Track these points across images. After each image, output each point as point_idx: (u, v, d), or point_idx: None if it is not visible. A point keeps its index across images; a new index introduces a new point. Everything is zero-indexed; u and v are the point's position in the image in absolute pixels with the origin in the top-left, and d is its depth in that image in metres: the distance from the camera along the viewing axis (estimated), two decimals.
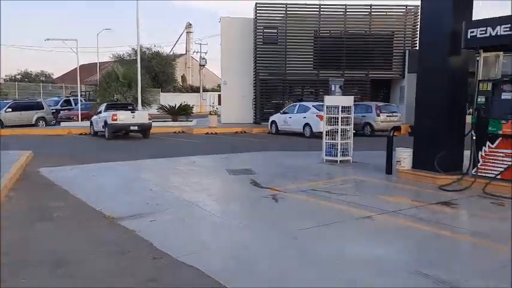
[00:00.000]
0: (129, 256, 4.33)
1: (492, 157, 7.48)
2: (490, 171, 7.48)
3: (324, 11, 25.28)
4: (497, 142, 7.39)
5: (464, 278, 3.81)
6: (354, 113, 19.72)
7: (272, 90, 26.85)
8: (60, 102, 30.58)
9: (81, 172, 9.32)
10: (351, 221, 5.59)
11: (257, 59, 25.40)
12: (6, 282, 3.67)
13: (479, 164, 7.65)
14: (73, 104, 29.46)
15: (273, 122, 21.34)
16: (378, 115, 19.56)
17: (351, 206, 6.33)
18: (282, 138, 19.07)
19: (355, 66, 25.01)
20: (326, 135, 10.51)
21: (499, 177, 7.34)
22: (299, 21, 25.39)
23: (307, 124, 18.80)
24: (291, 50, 25.30)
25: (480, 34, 7.33)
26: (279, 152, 12.90)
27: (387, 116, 19.65)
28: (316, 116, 17.81)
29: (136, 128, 17.81)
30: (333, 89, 10.45)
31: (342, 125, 10.34)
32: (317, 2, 25.53)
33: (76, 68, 29.43)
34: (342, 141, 10.41)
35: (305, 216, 5.81)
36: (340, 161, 10.38)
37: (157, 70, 48.35)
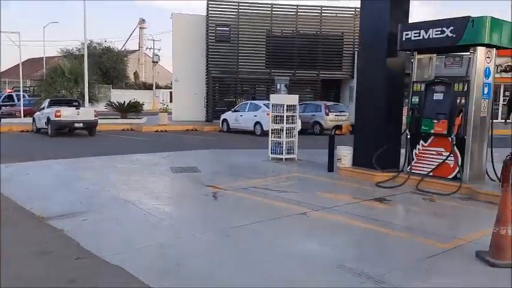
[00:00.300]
0: (52, 256, 4.16)
1: (425, 155, 7.80)
2: (423, 169, 7.80)
3: (276, 11, 25.48)
4: (429, 141, 7.72)
5: (387, 270, 3.93)
6: (305, 112, 20.62)
7: (224, 88, 26.79)
8: (1, 98, 29.08)
9: (16, 171, 8.88)
10: (286, 217, 5.65)
11: (209, 56, 25.24)
12: None
13: (413, 162, 7.96)
14: (16, 100, 28.09)
15: (225, 120, 21.30)
16: (327, 114, 19.97)
17: (289, 203, 6.40)
18: (232, 136, 19.06)
19: (307, 66, 25.39)
20: (272, 133, 10.58)
21: (431, 174, 7.67)
22: (251, 20, 25.45)
23: (257, 122, 18.91)
24: (244, 48, 25.32)
25: (414, 37, 7.62)
26: (227, 150, 12.87)
27: (336, 115, 20.09)
28: (267, 114, 17.86)
29: (81, 125, 17.20)
30: (278, 87, 10.53)
31: (287, 123, 10.45)
32: (269, 2, 25.68)
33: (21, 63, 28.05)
34: (287, 140, 10.52)
35: (242, 214, 5.82)
36: (285, 159, 10.49)
37: (108, 66, 47.03)
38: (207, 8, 25.03)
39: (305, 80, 26.09)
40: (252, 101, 20.89)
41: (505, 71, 27.11)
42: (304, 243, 4.66)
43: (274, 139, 10.57)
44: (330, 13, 26.07)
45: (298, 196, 6.87)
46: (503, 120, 24.99)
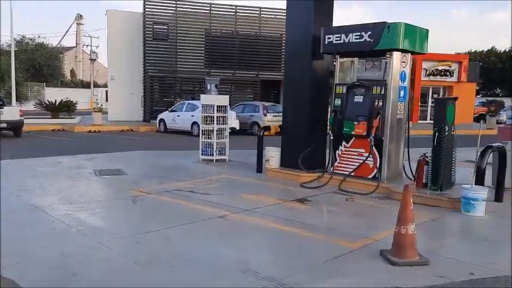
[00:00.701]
0: None
1: (347, 156, 8.01)
2: (345, 169, 8.01)
3: (214, 10, 25.34)
4: (351, 142, 7.94)
5: (291, 272, 3.96)
6: (243, 112, 20.65)
7: (163, 88, 26.26)
8: None
9: None
10: (203, 221, 5.56)
11: (146, 55, 24.64)
12: None
13: (336, 162, 8.16)
14: None
15: (162, 120, 20.89)
16: (265, 115, 20.11)
17: (210, 205, 6.32)
18: (169, 136, 18.71)
19: (246, 66, 25.46)
20: (202, 134, 10.46)
21: (352, 174, 7.89)
22: (190, 19, 25.13)
23: (195, 123, 18.66)
24: (182, 47, 24.96)
25: (336, 40, 7.81)
26: (159, 152, 12.59)
27: (274, 115, 20.25)
28: None
29: (4, 125, 16.15)
30: (208, 87, 10.42)
31: (218, 124, 10.37)
32: (208, 1, 25.49)
33: None
34: (218, 141, 10.45)
35: (158, 218, 5.66)
36: (216, 160, 10.41)
37: (42, 63, 44.69)
38: (144, 5, 24.43)
39: (245, 81, 26.16)
40: (190, 101, 20.64)
41: (432, 74, 28.69)
42: (216, 248, 4.60)
43: (205, 140, 10.46)
44: (269, 14, 26.31)
45: (221, 198, 6.81)
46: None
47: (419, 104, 29.10)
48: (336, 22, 8.51)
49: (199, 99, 22.62)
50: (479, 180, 6.45)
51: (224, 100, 10.48)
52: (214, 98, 10.37)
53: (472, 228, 5.66)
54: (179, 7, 24.82)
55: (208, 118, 10.34)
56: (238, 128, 18.68)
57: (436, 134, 6.96)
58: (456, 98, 7.28)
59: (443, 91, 29.58)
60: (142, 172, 9.17)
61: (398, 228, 4.29)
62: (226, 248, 4.59)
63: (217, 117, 10.34)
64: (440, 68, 28.46)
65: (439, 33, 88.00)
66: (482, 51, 59.28)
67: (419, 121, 28.65)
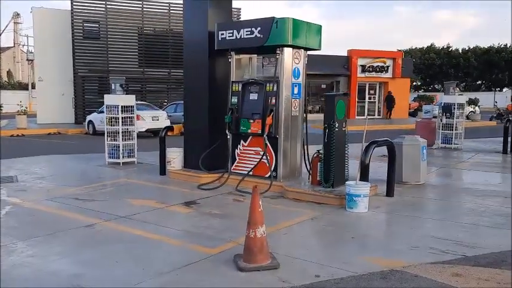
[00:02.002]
0: None
1: (246, 155, 7.82)
2: (244, 168, 7.80)
3: (147, 8, 24.64)
4: (249, 140, 7.75)
5: (141, 279, 3.68)
6: (176, 112, 20.12)
7: (95, 88, 25.27)
8: None
9: None
10: (64, 231, 5.15)
11: (76, 54, 23.62)
12: None
13: (236, 162, 7.94)
14: None
15: (90, 121, 20.02)
16: None
17: (86, 213, 5.92)
18: (95, 139, 17.89)
19: (182, 65, 24.92)
20: (107, 136, 9.97)
21: (251, 173, 7.70)
22: (121, 17, 24.32)
23: None
24: (114, 46, 24.12)
25: (229, 37, 7.58)
26: (69, 155, 11.93)
27: None
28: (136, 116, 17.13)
29: None
30: (113, 87, 9.94)
31: (124, 125, 9.91)
32: None
33: None
34: (125, 143, 10.00)
35: (17, 231, 5.20)
36: (123, 163, 9.96)
37: None
38: (72, 2, 23.38)
39: (181, 79, 25.59)
40: None
41: (368, 70, 29.31)
42: (59, 262, 4.22)
43: (111, 142, 9.98)
44: None
45: (103, 205, 6.41)
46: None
47: (357, 100, 29.68)
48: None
49: None
50: (364, 176, 6.40)
51: (130, 100, 10.04)
52: (119, 98, 9.90)
53: (348, 225, 5.57)
54: (109, 4, 23.94)
55: (113, 119, 9.86)
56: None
57: (326, 131, 6.88)
58: (346, 94, 7.24)
59: (379, 87, 30.32)
60: (38, 179, 8.58)
61: (248, 231, 4.09)
62: (67, 262, 4.21)
63: (123, 118, 9.89)
64: (375, 64, 29.13)
65: (385, 31, 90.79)
66: (423, 47, 61.54)
67: (357, 117, 29.22)
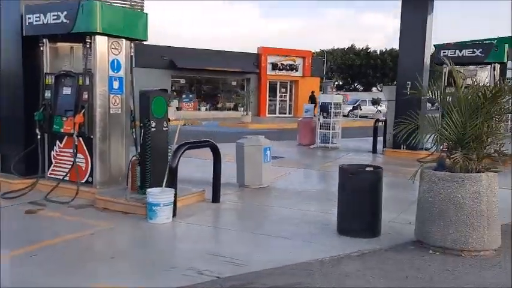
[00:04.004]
0: None
1: (62, 157, 6.85)
2: (60, 173, 6.85)
3: None
4: (64, 141, 6.79)
5: None
6: None
7: None
8: None
9: None
10: None
11: None
12: None
13: (52, 166, 6.97)
14: None
15: None
16: None
17: None
18: None
19: None
20: None
21: (67, 178, 6.76)
22: None
23: None
24: None
25: (36, 21, 6.58)
26: None
27: None
28: None
29: None
30: None
31: None
32: None
33: None
34: None
35: None
36: None
37: None
38: None
39: None
40: None
41: (278, 68, 29.21)
42: None
43: None
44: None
45: None
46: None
47: (268, 98, 29.51)
48: None
49: None
50: (171, 182, 5.72)
51: None
52: None
53: (129, 241, 4.86)
54: None
55: None
56: None
57: (141, 131, 6.13)
58: (165, 90, 6.55)
59: (290, 85, 30.36)
60: None
61: None
62: None
63: None
64: (285, 62, 29.09)
65: (318, 31, 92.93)
66: (344, 48, 63.28)
67: (268, 115, 29.04)
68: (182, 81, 27.72)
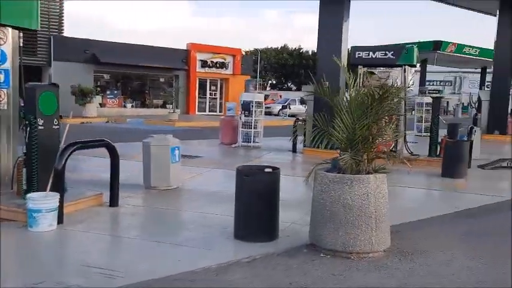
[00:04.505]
0: None
1: None
2: None
3: None
4: None
5: None
6: None
7: None
8: None
9: None
10: None
11: None
12: None
13: None
14: None
15: None
16: None
17: None
18: None
19: None
20: None
21: None
22: None
23: None
24: None
25: None
26: None
27: None
28: None
29: None
30: None
31: None
32: None
33: None
34: None
35: None
36: None
37: None
38: None
39: None
40: None
41: (208, 66, 28.84)
42: None
43: None
44: None
45: None
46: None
47: (198, 95, 29.04)
48: None
49: None
50: (55, 186, 5.23)
51: None
52: None
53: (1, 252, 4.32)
54: None
55: None
56: None
57: (27, 129, 5.56)
58: (55, 84, 6.00)
59: (220, 83, 30.09)
60: None
61: None
62: None
63: None
64: (215, 60, 28.77)
65: (253, 31, 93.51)
66: (277, 47, 64.11)
67: (198, 113, 28.57)
68: (106, 76, 26.47)
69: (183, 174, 7.83)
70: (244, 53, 30.75)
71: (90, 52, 24.26)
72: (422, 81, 39.04)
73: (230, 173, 9.13)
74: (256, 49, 59.28)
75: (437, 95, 47.93)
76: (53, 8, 23.93)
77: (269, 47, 64.59)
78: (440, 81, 52.34)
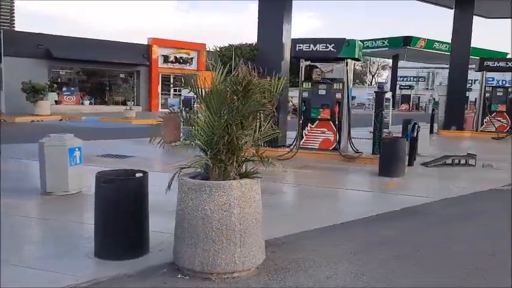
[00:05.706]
0: None
1: None
2: None
3: None
4: None
5: None
6: None
7: None
8: None
9: None
10: None
11: None
12: None
13: None
14: None
15: None
16: None
17: None
18: None
19: None
20: None
21: None
22: None
23: None
24: None
25: None
26: None
27: None
28: None
29: None
30: None
31: None
32: None
33: None
34: None
35: None
36: None
37: None
38: None
39: None
40: None
41: (171, 62, 28.00)
42: None
43: None
44: None
45: None
46: None
47: (161, 92, 28.17)
48: None
49: None
50: None
51: None
52: None
53: None
54: None
55: None
56: None
57: None
58: None
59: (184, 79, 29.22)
60: None
61: None
62: None
63: None
64: (178, 55, 27.93)
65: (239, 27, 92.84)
66: (252, 43, 63.41)
67: (161, 109, 27.70)
68: (62, 72, 25.39)
69: (91, 178, 7.11)
70: (208, 49, 29.98)
71: (44, 47, 23.19)
72: (394, 76, 38.89)
73: (156, 175, 8.53)
74: (231, 45, 58.46)
75: (409, 91, 47.44)
76: (3, 2, 22.86)
77: (244, 42, 63.86)
78: (414, 77, 52.38)
